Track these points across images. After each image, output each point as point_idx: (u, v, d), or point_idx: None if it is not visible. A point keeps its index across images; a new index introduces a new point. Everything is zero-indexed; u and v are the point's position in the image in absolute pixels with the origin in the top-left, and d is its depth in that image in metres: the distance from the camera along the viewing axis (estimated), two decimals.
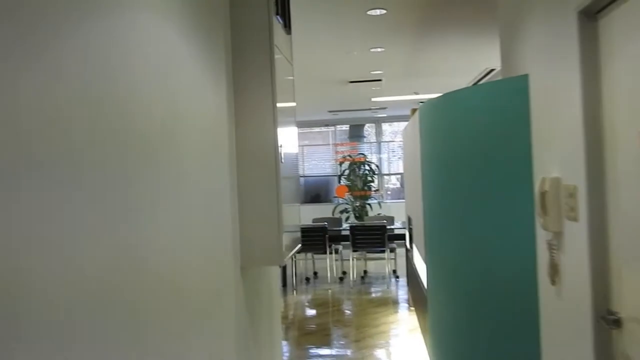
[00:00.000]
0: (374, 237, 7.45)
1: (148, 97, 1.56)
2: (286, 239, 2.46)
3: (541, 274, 2.47)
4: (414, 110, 5.10)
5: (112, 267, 1.31)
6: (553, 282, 2.30)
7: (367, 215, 10.47)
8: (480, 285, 2.83)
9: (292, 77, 2.98)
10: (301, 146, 11.76)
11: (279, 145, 2.40)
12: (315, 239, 7.56)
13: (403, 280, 7.83)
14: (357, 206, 10.55)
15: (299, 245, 2.85)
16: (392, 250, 7.87)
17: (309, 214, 10.96)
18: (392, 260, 8.30)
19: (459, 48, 5.25)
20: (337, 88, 7.11)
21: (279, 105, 2.43)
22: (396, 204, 11.36)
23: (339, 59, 5.38)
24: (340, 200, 10.71)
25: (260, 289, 2.81)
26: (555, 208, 2.22)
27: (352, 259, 7.74)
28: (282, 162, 2.42)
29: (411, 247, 5.56)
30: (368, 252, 8.39)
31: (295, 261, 8.23)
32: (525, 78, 2.58)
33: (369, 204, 10.63)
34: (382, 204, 10.76)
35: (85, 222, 1.20)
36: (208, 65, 2.12)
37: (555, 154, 2.26)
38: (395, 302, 6.72)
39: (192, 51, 1.96)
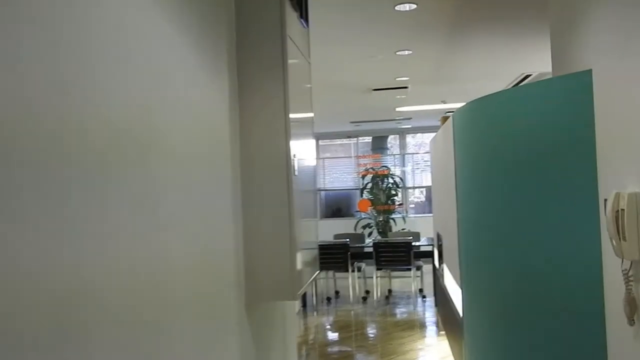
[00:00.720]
0: (399, 254, 6.99)
1: (109, 97, 1.18)
2: (301, 264, 2.06)
3: (612, 310, 2.02)
4: (445, 119, 4.69)
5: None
6: (631, 321, 1.85)
7: (390, 230, 10.01)
8: (535, 317, 2.38)
9: (308, 75, 2.59)
10: (322, 159, 11.39)
11: (292, 154, 2.01)
12: (337, 256, 7.13)
13: (430, 300, 7.34)
14: (380, 221, 10.10)
15: (317, 271, 2.44)
16: (419, 268, 7.40)
17: (330, 230, 10.55)
18: (418, 278, 7.82)
19: (494, 50, 4.83)
20: (359, 96, 6.73)
21: (293, 115, 2.05)
22: (421, 218, 10.87)
23: (362, 63, 5.00)
24: (363, 215, 10.28)
25: (272, 318, 2.41)
26: (634, 231, 1.78)
27: (376, 277, 7.28)
28: (295, 174, 2.02)
29: (440, 266, 5.11)
30: (393, 270, 7.93)
31: (315, 280, 7.81)
32: (588, 74, 2.15)
33: (392, 219, 10.18)
34: (406, 219, 10.30)
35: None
36: (204, 59, 1.75)
37: (633, 163, 1.83)
38: (423, 325, 6.24)
39: (181, 38, 1.59)
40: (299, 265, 1.99)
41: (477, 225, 2.86)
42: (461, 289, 3.40)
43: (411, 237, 7.05)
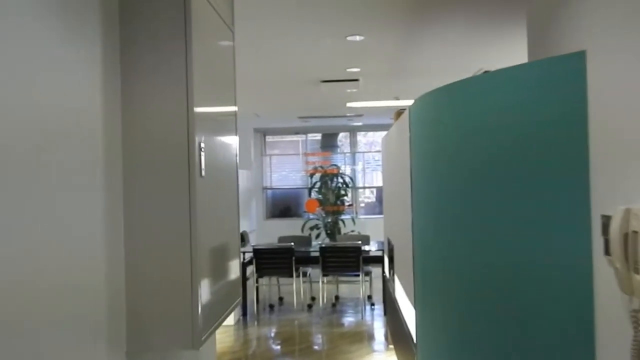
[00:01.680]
0: (347, 259, 6.53)
1: None
2: (209, 299, 1.52)
3: (611, 358, 1.59)
4: (399, 113, 4.23)
5: None
6: None
7: (339, 232, 9.56)
8: (504, 346, 1.94)
9: (231, 52, 2.05)
10: (269, 155, 10.82)
11: (198, 143, 1.47)
12: (281, 261, 6.60)
13: (379, 308, 6.93)
14: (328, 222, 9.64)
15: (238, 299, 1.91)
16: (368, 273, 6.97)
17: (276, 231, 10.01)
18: (367, 283, 7.40)
19: (452, 42, 4.41)
20: (308, 89, 6.22)
21: (203, 109, 1.50)
22: (371, 220, 10.48)
23: (311, 49, 4.48)
24: (311, 216, 9.79)
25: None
26: None
27: (322, 283, 6.80)
28: (202, 175, 1.48)
29: (391, 275, 4.67)
30: (340, 277, 7.47)
31: (257, 286, 7.25)
32: (580, 56, 1.71)
33: (342, 220, 9.73)
34: (355, 220, 9.88)
35: None
36: (60, 28, 1.18)
37: None
38: (371, 337, 5.80)
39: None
40: (204, 300, 1.45)
41: (436, 235, 2.40)
42: (415, 308, 2.95)
43: (360, 242, 6.61)
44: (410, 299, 3.19)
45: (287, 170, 10.88)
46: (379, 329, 6.11)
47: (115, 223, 1.40)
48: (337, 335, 5.83)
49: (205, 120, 1.56)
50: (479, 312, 2.04)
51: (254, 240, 9.86)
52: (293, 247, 6.58)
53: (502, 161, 1.92)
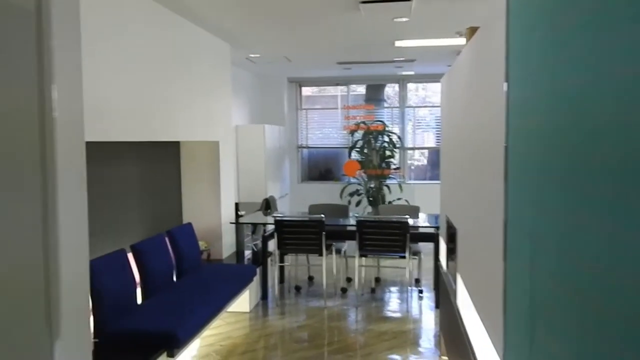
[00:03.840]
0: (390, 238, 5.21)
1: None
2: None
3: None
4: (473, 31, 2.79)
5: None
6: None
7: (383, 201, 8.21)
8: None
9: None
10: (305, 110, 9.48)
11: None
12: (308, 236, 5.35)
13: (429, 298, 5.62)
14: (371, 188, 8.30)
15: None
16: (416, 253, 5.64)
17: (311, 196, 8.77)
18: (414, 262, 6.10)
19: None
20: (345, 17, 4.80)
21: None
22: (421, 186, 9.08)
23: None
24: (351, 180, 8.47)
25: None
26: None
27: (358, 266, 5.53)
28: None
29: (451, 271, 3.34)
30: (381, 258, 6.19)
31: (280, 266, 6.06)
32: None
33: (387, 186, 8.37)
34: (403, 186, 8.48)
35: None
36: None
37: None
38: (417, 339, 4.51)
39: None
40: None
41: (578, 231, 1.06)
42: (505, 349, 1.62)
43: (407, 216, 5.26)
44: (491, 328, 1.84)
45: (326, 127, 9.54)
46: (429, 327, 4.81)
47: None
48: (374, 335, 4.58)
49: None
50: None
51: (285, 207, 8.65)
52: (324, 219, 5.30)
53: None
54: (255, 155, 7.64)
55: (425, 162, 10.07)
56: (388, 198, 8.38)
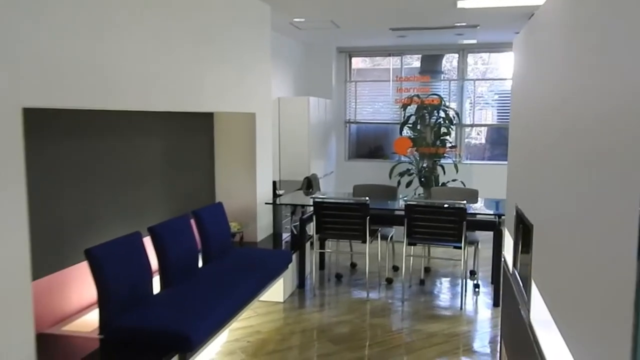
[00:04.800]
0: (444, 225, 4.58)
1: None
2: None
3: None
4: None
5: None
6: None
7: (437, 182, 7.53)
8: None
9: None
10: (354, 82, 8.83)
11: None
12: (351, 220, 4.80)
13: (487, 293, 4.98)
14: (424, 167, 7.62)
15: None
16: (472, 242, 5.00)
17: (359, 174, 8.19)
18: (469, 252, 5.47)
19: None
20: None
21: None
22: (479, 167, 8.33)
23: None
24: (402, 158, 7.82)
25: None
26: None
27: (406, 256, 4.94)
28: None
29: (522, 273, 2.72)
30: (432, 246, 5.57)
31: (320, 252, 5.54)
32: None
33: (441, 166, 7.66)
34: (459, 167, 7.75)
35: None
36: None
37: None
38: (469, 348, 3.91)
39: None
40: None
41: None
42: None
43: (464, 202, 4.60)
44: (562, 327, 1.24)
45: (376, 101, 8.87)
46: (485, 330, 4.19)
47: None
48: (423, 337, 4.01)
49: None
50: None
51: (329, 186, 8.11)
52: (368, 202, 4.73)
53: None
54: (298, 129, 7.11)
55: (483, 140, 9.27)
56: (442, 179, 7.68)
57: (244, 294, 3.63)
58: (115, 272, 2.98)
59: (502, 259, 3.52)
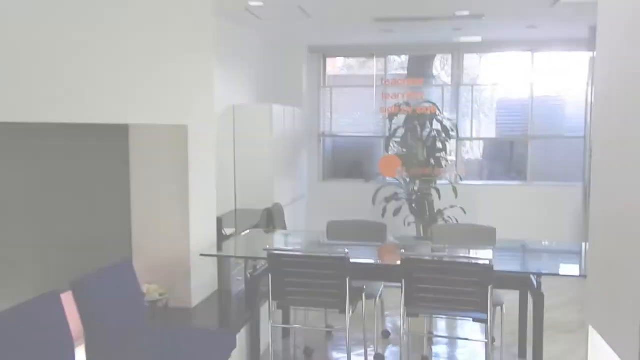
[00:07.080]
0: (461, 288, 3.13)
1: None
2: None
3: None
4: None
5: None
6: None
7: (432, 209, 6.12)
8: None
9: None
10: (329, 87, 7.40)
11: None
12: (323, 281, 3.31)
13: None
14: (415, 191, 6.21)
15: None
16: (495, 306, 3.55)
17: (336, 199, 6.74)
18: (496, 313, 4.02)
19: None
20: None
21: None
22: (478, 188, 6.98)
23: None
24: (388, 179, 6.41)
25: None
26: None
27: (403, 328, 3.46)
28: None
29: None
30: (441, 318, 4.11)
31: (274, 327, 4.02)
32: None
33: (435, 189, 6.26)
34: (457, 189, 6.34)
35: None
36: None
37: None
38: None
39: None
40: None
41: None
42: None
43: (490, 256, 3.18)
44: None
45: (358, 110, 7.49)
46: None
47: None
48: None
49: None
50: None
51: (299, 216, 6.60)
52: (348, 256, 3.24)
53: None
54: (259, 145, 5.64)
55: (479, 156, 7.94)
56: (437, 204, 6.26)
57: None
58: None
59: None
